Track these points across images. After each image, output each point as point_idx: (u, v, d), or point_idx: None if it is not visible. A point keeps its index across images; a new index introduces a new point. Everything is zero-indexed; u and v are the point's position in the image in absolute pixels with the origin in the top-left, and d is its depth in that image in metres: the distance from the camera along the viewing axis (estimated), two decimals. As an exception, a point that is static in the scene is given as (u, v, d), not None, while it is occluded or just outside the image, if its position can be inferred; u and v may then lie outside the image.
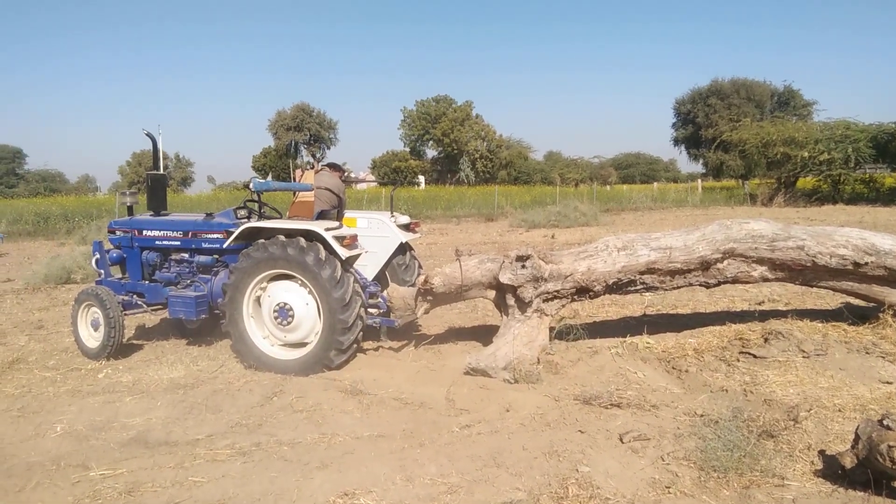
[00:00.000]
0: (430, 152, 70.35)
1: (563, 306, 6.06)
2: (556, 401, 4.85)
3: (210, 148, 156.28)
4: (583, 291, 5.95)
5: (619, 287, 6.00)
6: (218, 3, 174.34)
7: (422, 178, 65.40)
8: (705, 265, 5.93)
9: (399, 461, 3.92)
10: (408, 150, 69.80)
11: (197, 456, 4.09)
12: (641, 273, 5.91)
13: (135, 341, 7.22)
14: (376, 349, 6.53)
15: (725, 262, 5.96)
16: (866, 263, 5.78)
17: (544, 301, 5.83)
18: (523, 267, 5.72)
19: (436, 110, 66.46)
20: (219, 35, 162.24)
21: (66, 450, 4.26)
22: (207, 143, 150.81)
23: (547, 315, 5.86)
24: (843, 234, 5.93)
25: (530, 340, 5.65)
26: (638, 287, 6.02)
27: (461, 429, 4.42)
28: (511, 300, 5.84)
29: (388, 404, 4.94)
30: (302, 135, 73.87)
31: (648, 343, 6.04)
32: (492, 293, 6.06)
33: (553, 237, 18.57)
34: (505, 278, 5.74)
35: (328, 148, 76.28)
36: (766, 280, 6.14)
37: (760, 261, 5.97)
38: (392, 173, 63.61)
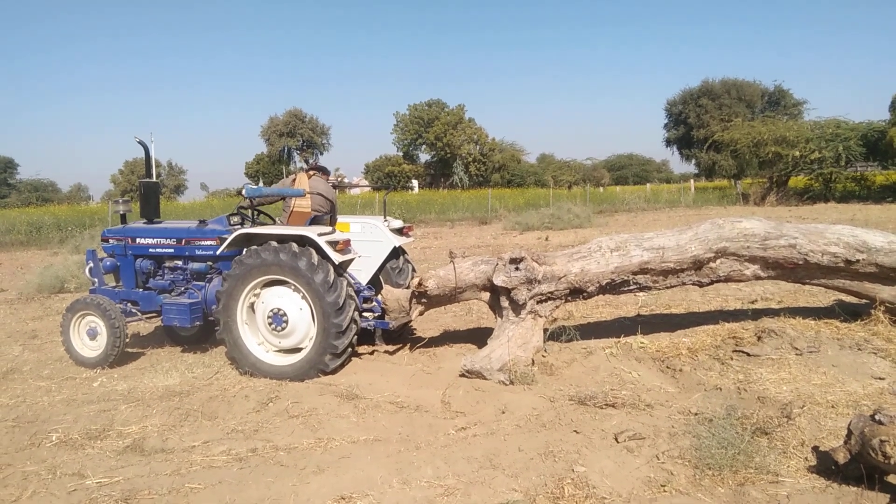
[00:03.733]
0: (424, 156, 70.52)
1: (557, 307, 6.07)
2: (551, 402, 4.87)
3: (203, 155, 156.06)
4: (576, 292, 5.97)
5: (612, 288, 6.02)
6: (210, 11, 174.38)
7: (415, 183, 65.42)
8: (698, 264, 5.97)
9: (395, 464, 3.93)
10: (401, 154, 69.89)
11: (193, 463, 4.09)
12: (634, 273, 5.93)
13: (129, 349, 7.19)
14: (371, 353, 6.54)
15: (718, 261, 6.00)
16: (858, 261, 5.82)
17: (538, 303, 5.85)
18: (517, 269, 5.74)
19: (428, 114, 66.58)
20: (211, 42, 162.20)
21: (62, 459, 4.25)
22: (200, 151, 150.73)
23: (541, 316, 5.88)
24: (834, 231, 5.98)
25: (525, 342, 5.67)
26: (631, 287, 6.05)
27: (457, 431, 4.43)
28: (505, 302, 5.86)
29: (383, 408, 4.95)
30: (295, 140, 73.97)
31: (643, 343, 6.06)
32: (486, 295, 6.08)
33: (547, 239, 18.61)
34: (499, 280, 5.76)
35: (321, 153, 76.41)
36: (758, 278, 6.18)
37: (753, 259, 6.01)
38: (385, 178, 63.64)
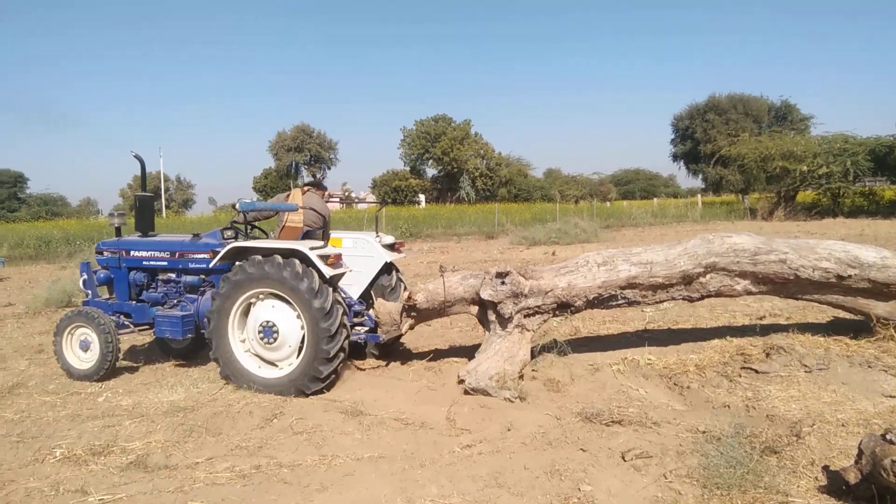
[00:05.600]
0: (430, 171, 70.69)
1: (545, 321, 6.09)
2: (557, 419, 4.83)
3: (211, 170, 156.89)
4: (564, 307, 5.96)
5: (600, 302, 6.01)
6: (218, 26, 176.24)
7: (422, 197, 65.60)
8: (687, 279, 5.94)
9: (400, 482, 3.89)
10: (408, 169, 70.07)
11: (197, 479, 4.06)
12: (622, 288, 5.92)
13: (134, 364, 7.21)
14: (376, 368, 6.52)
15: (708, 276, 5.97)
16: (850, 276, 5.78)
17: (525, 316, 5.86)
18: (503, 283, 5.77)
19: (435, 129, 66.79)
20: (219, 57, 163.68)
21: (66, 475, 4.23)
22: (209, 165, 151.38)
23: (528, 330, 5.89)
24: (825, 247, 5.94)
25: (511, 356, 5.68)
26: (619, 302, 6.03)
27: (462, 449, 4.39)
28: (492, 316, 5.90)
29: (388, 425, 4.92)
30: (302, 155, 74.31)
31: (650, 359, 6.02)
32: (474, 309, 6.11)
33: (554, 254, 18.55)
34: (486, 294, 5.79)
35: (328, 168, 76.75)
36: (749, 293, 6.15)
37: (743, 274, 5.98)
38: (392, 192, 63.82)
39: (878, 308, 5.93)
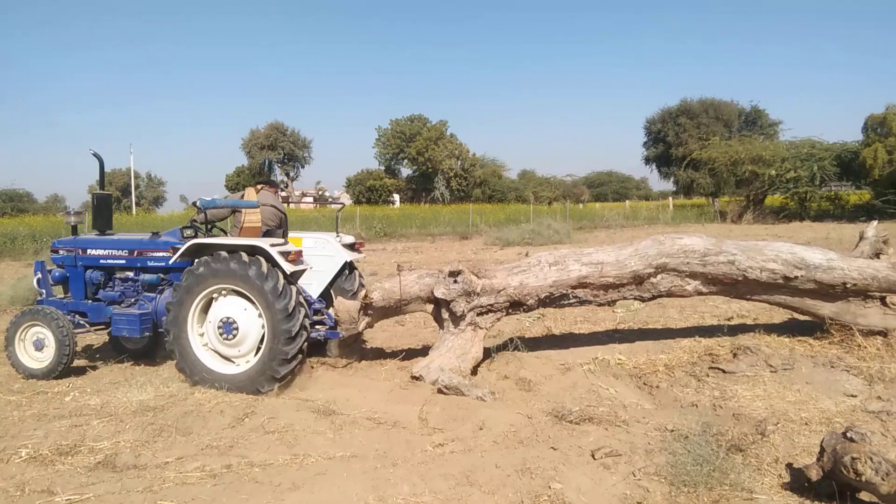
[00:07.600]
0: (405, 171, 70.63)
1: (498, 320, 6.19)
2: (528, 418, 4.87)
3: (183, 167, 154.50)
4: (516, 305, 6.06)
5: (551, 301, 6.11)
6: (192, 22, 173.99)
7: (397, 197, 65.53)
8: (638, 279, 6.06)
9: (372, 481, 3.90)
10: (383, 168, 69.90)
11: (166, 479, 4.02)
12: (573, 287, 6.02)
13: (103, 363, 7.10)
14: (348, 367, 6.50)
15: (658, 276, 6.09)
16: (796, 277, 5.92)
17: (478, 315, 5.96)
18: (455, 282, 5.87)
19: (410, 129, 66.73)
20: (193, 52, 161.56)
21: (31, 475, 4.15)
22: (180, 162, 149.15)
23: (481, 328, 5.99)
24: (773, 248, 6.09)
25: (464, 353, 5.80)
26: (571, 301, 6.14)
27: (434, 448, 4.41)
28: (446, 314, 6.01)
29: (360, 424, 4.92)
30: (276, 153, 73.59)
31: (620, 359, 6.10)
32: (430, 307, 6.21)
33: (527, 254, 18.60)
34: (439, 293, 5.89)
35: (302, 166, 76.15)
36: (700, 294, 6.28)
37: (693, 275, 6.10)
38: (367, 192, 63.63)
39: (825, 309, 6.09)
